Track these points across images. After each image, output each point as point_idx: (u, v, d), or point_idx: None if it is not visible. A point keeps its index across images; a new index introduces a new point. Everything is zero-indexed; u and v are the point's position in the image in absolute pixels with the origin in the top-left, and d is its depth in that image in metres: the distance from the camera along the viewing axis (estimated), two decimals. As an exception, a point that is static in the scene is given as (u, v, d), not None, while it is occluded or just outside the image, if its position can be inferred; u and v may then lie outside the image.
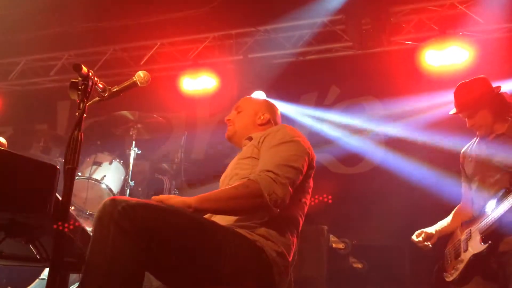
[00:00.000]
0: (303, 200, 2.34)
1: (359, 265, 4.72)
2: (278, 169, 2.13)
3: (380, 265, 4.83)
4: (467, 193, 3.48)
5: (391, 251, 4.99)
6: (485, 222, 3.13)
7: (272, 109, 2.74)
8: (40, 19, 6.12)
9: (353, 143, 5.83)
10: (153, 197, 2.00)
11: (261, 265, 2.07)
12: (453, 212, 3.53)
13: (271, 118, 2.67)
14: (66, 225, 1.60)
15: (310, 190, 2.41)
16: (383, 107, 5.88)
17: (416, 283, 4.72)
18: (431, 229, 3.43)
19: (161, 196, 2.02)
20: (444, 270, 3.39)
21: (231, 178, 2.36)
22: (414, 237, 3.43)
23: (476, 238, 3.18)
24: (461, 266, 3.23)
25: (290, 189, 2.14)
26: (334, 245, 4.59)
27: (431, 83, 5.37)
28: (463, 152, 3.53)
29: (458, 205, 3.55)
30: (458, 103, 3.38)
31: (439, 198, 4.60)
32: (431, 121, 5.29)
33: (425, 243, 3.38)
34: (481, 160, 3.34)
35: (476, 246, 3.17)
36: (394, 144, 5.64)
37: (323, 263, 4.32)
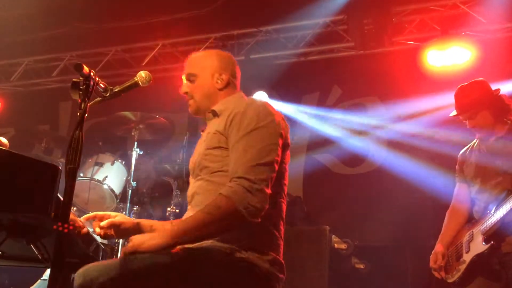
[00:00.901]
0: (283, 181, 2.18)
1: (361, 266, 4.71)
2: (251, 172, 1.97)
3: (382, 265, 4.83)
4: (463, 194, 3.49)
5: (393, 252, 5.00)
6: (487, 223, 3.14)
7: (227, 64, 2.40)
8: (42, 20, 6.13)
9: (355, 143, 5.83)
10: (123, 249, 1.88)
11: (257, 283, 2.01)
12: (447, 215, 3.52)
13: (230, 76, 2.37)
14: (66, 225, 1.59)
15: (287, 167, 2.22)
16: (385, 107, 5.88)
17: (418, 283, 4.71)
18: (440, 248, 3.39)
19: (134, 243, 1.87)
20: (445, 271, 3.39)
21: (201, 169, 2.19)
22: (432, 264, 3.37)
23: (478, 239, 3.19)
24: (462, 267, 3.23)
25: (268, 190, 1.99)
26: (336, 245, 4.58)
27: (433, 84, 5.36)
28: (462, 155, 3.55)
29: (451, 207, 3.54)
30: (459, 105, 3.41)
31: (441, 199, 4.59)
32: (433, 122, 5.28)
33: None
34: (482, 163, 3.35)
35: (478, 246, 3.17)
36: (396, 144, 5.64)
37: (325, 263, 4.31)
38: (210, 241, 2.01)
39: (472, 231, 3.26)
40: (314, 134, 6.10)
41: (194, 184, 2.24)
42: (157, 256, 1.87)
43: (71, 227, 1.61)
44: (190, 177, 2.31)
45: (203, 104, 2.36)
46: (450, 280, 3.33)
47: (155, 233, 1.93)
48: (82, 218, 2.22)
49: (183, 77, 2.43)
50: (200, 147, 2.29)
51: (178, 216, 4.75)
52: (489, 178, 3.29)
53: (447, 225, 3.49)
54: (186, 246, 1.96)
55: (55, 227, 1.57)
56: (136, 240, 1.88)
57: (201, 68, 2.37)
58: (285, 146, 2.17)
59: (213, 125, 2.26)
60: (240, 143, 2.05)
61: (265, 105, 2.17)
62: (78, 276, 1.79)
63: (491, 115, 3.30)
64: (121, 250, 1.94)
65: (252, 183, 1.95)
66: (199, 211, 1.97)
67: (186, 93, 2.38)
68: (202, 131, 2.42)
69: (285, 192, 2.21)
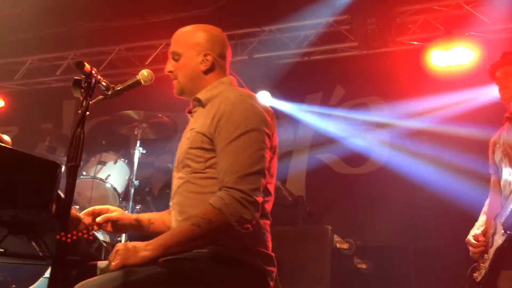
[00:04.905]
0: (269, 180, 2.08)
1: (364, 266, 4.70)
2: (242, 182, 1.90)
3: (385, 265, 4.82)
4: (497, 185, 3.30)
5: (396, 252, 4.98)
6: (506, 212, 2.99)
7: (214, 43, 2.24)
8: (45, 18, 6.15)
9: (358, 143, 5.82)
10: (111, 266, 1.80)
11: (250, 280, 2.00)
12: (485, 206, 3.33)
13: (217, 57, 2.22)
14: (72, 234, 1.59)
15: (274, 162, 2.13)
16: (388, 107, 5.88)
17: (421, 283, 4.70)
18: (479, 232, 3.22)
19: (122, 257, 1.80)
20: (476, 270, 3.20)
21: (183, 167, 2.11)
22: (471, 239, 3.20)
23: (500, 230, 3.01)
24: (486, 265, 3.06)
25: (259, 199, 1.94)
26: (338, 245, 4.57)
27: (436, 84, 5.35)
28: (493, 140, 3.38)
29: (488, 197, 3.36)
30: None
31: (444, 199, 4.58)
32: (436, 122, 5.27)
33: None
34: (509, 144, 3.21)
35: (499, 239, 2.99)
36: (399, 144, 5.63)
37: (327, 263, 4.30)
38: None
39: (496, 223, 3.07)
40: (317, 134, 6.10)
41: (176, 181, 2.18)
42: (153, 268, 1.82)
43: (75, 237, 1.60)
44: (174, 170, 2.23)
45: (187, 87, 2.25)
46: (478, 280, 3.13)
47: (140, 245, 1.84)
48: (82, 214, 2.20)
49: (169, 56, 2.34)
50: (184, 143, 2.17)
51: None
52: None
53: (482, 218, 3.27)
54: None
55: (58, 237, 1.57)
56: (123, 255, 1.81)
57: (185, 46, 2.25)
58: (272, 147, 2.10)
59: (198, 120, 2.16)
60: (229, 148, 1.97)
61: (253, 103, 2.06)
62: None
63: None
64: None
65: (244, 194, 1.89)
66: (187, 222, 1.89)
67: (170, 72, 2.28)
68: (188, 112, 2.32)
69: (273, 188, 2.13)
